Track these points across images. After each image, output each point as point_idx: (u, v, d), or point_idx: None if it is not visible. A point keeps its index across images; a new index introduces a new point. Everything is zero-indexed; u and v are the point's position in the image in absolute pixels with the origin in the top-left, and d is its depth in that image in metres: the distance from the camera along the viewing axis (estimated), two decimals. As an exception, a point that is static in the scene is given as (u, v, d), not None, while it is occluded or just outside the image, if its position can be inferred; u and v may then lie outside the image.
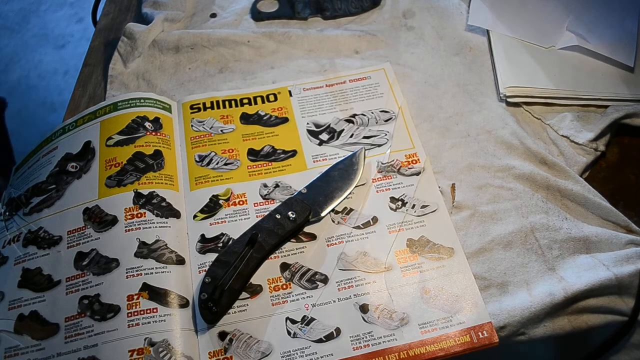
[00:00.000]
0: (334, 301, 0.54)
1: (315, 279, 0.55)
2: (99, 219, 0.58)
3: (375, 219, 0.59)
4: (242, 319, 0.53)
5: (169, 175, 0.62)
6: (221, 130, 0.67)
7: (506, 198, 0.60)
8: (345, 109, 0.68)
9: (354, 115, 0.67)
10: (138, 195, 0.59)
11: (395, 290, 0.54)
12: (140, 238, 0.56)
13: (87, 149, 0.64)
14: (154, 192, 0.59)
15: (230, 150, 0.65)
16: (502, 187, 0.61)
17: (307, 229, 0.58)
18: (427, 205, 0.59)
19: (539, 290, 0.53)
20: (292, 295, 0.54)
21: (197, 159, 0.64)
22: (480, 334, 0.51)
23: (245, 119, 0.68)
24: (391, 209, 0.59)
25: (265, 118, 0.68)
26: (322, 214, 0.58)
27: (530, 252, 0.56)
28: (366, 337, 0.51)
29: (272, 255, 0.56)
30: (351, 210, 0.60)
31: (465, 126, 0.66)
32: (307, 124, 0.67)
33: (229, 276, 0.52)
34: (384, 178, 0.62)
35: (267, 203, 0.60)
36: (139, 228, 0.57)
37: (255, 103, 0.69)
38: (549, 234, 0.57)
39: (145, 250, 0.55)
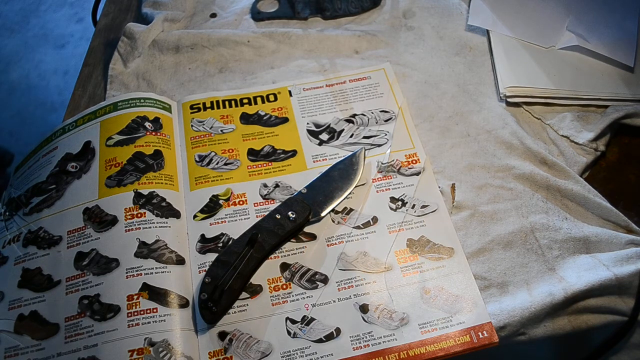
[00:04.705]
0: (334, 301, 0.54)
1: (315, 279, 0.55)
2: (99, 219, 0.58)
3: (375, 219, 0.59)
4: (242, 319, 0.53)
5: (169, 175, 0.62)
6: (221, 130, 0.67)
7: (506, 198, 0.60)
8: (345, 109, 0.68)
9: (354, 115, 0.67)
10: (138, 195, 0.59)
11: (395, 290, 0.54)
12: (140, 238, 0.56)
13: (87, 149, 0.64)
14: (154, 192, 0.59)
15: (230, 150, 0.65)
16: (502, 187, 0.61)
17: (307, 229, 0.58)
18: (427, 205, 0.59)
19: (539, 290, 0.53)
20: (292, 295, 0.54)
21: (197, 159, 0.64)
22: (480, 334, 0.51)
23: (245, 119, 0.68)
24: (391, 209, 0.59)
25: (265, 118, 0.68)
26: (322, 214, 0.58)
27: (530, 252, 0.56)
28: (366, 337, 0.51)
29: (272, 255, 0.56)
30: (351, 210, 0.60)
31: (465, 126, 0.66)
32: (307, 124, 0.67)
33: (229, 276, 0.52)
34: (384, 178, 0.62)
35: (267, 203, 0.60)
36: (139, 228, 0.57)
37: (255, 103, 0.69)
38: (549, 234, 0.57)
39: (145, 250, 0.55)
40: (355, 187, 0.61)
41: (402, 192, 0.61)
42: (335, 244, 0.57)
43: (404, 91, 0.70)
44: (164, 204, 0.59)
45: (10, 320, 0.54)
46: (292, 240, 0.57)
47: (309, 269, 0.55)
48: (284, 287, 0.55)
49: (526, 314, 0.51)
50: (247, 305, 0.53)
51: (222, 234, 0.58)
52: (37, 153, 0.67)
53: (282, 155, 0.64)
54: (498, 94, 0.68)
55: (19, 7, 2.01)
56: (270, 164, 0.63)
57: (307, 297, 0.54)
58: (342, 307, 0.53)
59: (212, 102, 0.69)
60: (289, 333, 0.52)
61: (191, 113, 0.68)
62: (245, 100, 0.70)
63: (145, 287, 0.53)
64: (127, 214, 0.57)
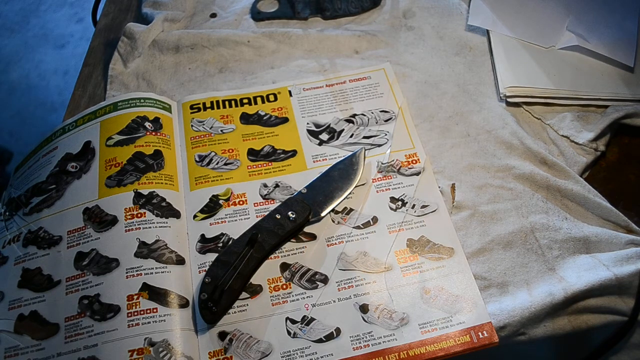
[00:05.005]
0: (334, 301, 0.54)
1: (315, 279, 0.55)
2: (99, 219, 0.58)
3: (375, 219, 0.59)
4: (242, 319, 0.53)
5: (169, 175, 0.62)
6: (221, 130, 0.67)
7: (506, 198, 0.60)
8: (345, 109, 0.68)
9: (354, 115, 0.67)
10: (138, 195, 0.59)
11: (395, 290, 0.54)
12: (140, 238, 0.56)
13: (87, 149, 0.64)
14: (154, 192, 0.59)
15: (230, 150, 0.65)
16: (502, 187, 0.61)
17: (307, 229, 0.58)
18: (427, 205, 0.59)
19: (539, 290, 0.53)
20: (292, 295, 0.54)
21: (197, 159, 0.64)
22: (480, 334, 0.51)
23: (245, 119, 0.68)
24: (391, 209, 0.59)
25: (265, 118, 0.68)
26: (322, 214, 0.58)
27: (530, 252, 0.56)
28: (366, 337, 0.51)
29: (272, 255, 0.56)
30: (351, 210, 0.60)
31: (465, 126, 0.66)
32: (307, 124, 0.67)
33: (229, 276, 0.52)
34: (384, 178, 0.62)
35: (267, 203, 0.60)
36: (139, 228, 0.57)
37: (255, 103, 0.69)
38: (549, 234, 0.57)
39: (145, 250, 0.55)
40: (355, 187, 0.61)
41: (402, 192, 0.61)
42: (335, 244, 0.57)
43: (404, 91, 0.70)
44: (164, 204, 0.59)
45: (10, 320, 0.54)
46: (292, 240, 0.57)
47: (309, 269, 0.55)
48: (284, 287, 0.55)
49: (526, 314, 0.51)
50: (247, 305, 0.53)
51: (222, 234, 0.58)
52: (37, 153, 0.67)
53: (282, 155, 0.64)
54: (498, 94, 0.68)
55: (19, 7, 2.01)
56: (270, 164, 0.63)
57: (307, 297, 0.54)
58: (342, 307, 0.53)
59: (212, 102, 0.69)
60: (289, 333, 0.52)
61: (191, 113, 0.68)
62: (245, 100, 0.70)
63: (145, 287, 0.53)
64: (127, 214, 0.57)
